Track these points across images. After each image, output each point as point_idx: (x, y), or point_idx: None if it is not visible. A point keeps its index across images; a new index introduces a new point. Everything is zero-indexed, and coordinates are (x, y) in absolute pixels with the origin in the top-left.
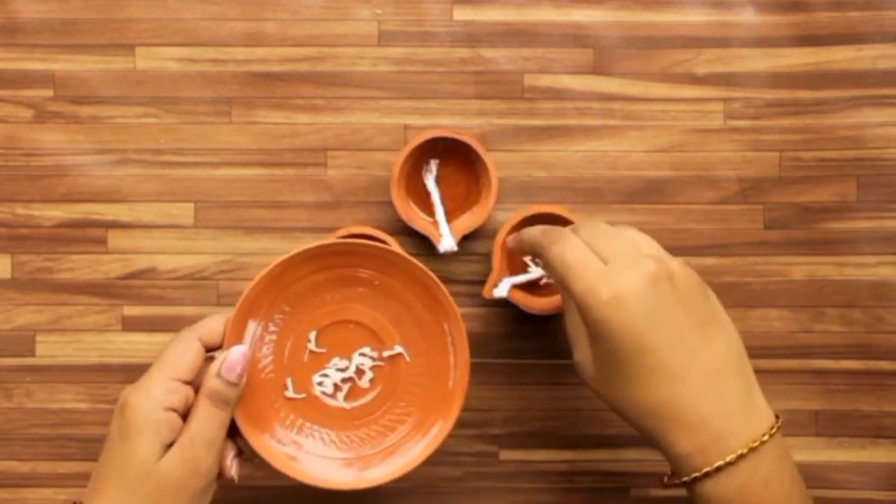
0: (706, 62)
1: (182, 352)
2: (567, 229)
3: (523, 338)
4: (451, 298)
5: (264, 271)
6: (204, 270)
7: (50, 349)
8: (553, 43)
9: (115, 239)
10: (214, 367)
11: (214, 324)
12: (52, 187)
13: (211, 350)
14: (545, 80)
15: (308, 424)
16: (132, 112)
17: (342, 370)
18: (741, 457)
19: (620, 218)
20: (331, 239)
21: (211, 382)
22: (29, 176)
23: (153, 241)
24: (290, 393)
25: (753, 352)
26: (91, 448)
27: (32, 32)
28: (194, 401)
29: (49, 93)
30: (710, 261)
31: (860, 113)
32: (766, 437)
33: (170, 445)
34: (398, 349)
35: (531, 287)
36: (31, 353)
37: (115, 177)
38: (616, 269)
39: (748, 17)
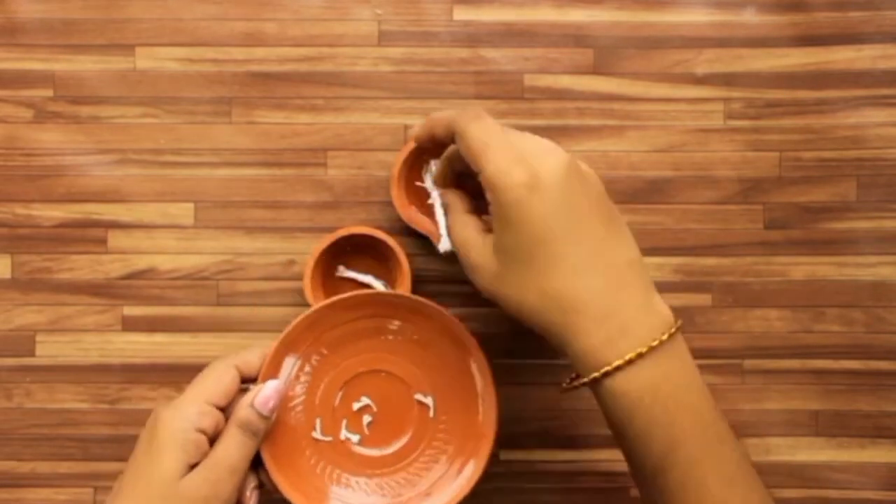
0: (706, 62)
1: (219, 377)
2: (485, 112)
3: (523, 338)
4: (478, 346)
5: (307, 312)
6: (204, 270)
7: (50, 349)
8: (553, 43)
9: (115, 239)
10: (248, 397)
11: (252, 355)
12: (51, 187)
13: (246, 380)
14: (545, 80)
15: (338, 471)
16: (132, 112)
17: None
18: (651, 349)
19: None
20: (373, 290)
21: (243, 412)
22: (29, 176)
23: (153, 241)
24: (317, 434)
25: (754, 352)
26: (91, 448)
27: (32, 32)
28: (224, 427)
29: (49, 93)
30: (710, 261)
31: (860, 113)
32: (670, 332)
33: (193, 466)
34: (425, 399)
35: None
36: (31, 353)
37: (115, 177)
38: (532, 154)
39: (748, 17)
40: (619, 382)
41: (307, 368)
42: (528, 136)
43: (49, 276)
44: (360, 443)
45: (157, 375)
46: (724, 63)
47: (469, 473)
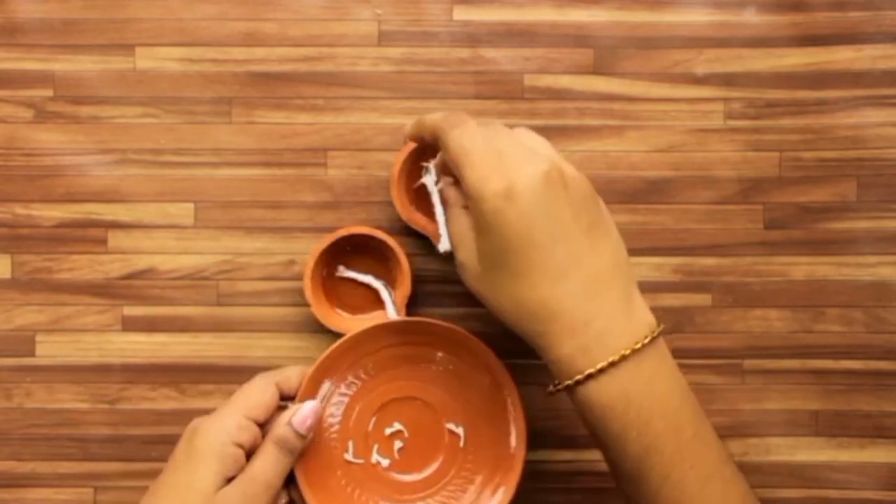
0: (706, 62)
1: (259, 393)
2: (468, 118)
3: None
4: (514, 383)
5: (348, 336)
6: (204, 270)
7: (50, 349)
8: (553, 43)
9: (115, 239)
10: (287, 415)
11: (292, 373)
12: (51, 187)
13: (284, 398)
14: (545, 80)
15: (368, 495)
16: (132, 112)
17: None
18: (623, 357)
19: (620, 218)
20: (420, 319)
21: (281, 430)
22: (29, 176)
23: (153, 241)
24: (349, 456)
25: (754, 352)
26: (91, 448)
27: (32, 32)
28: (261, 443)
29: (49, 93)
30: (710, 261)
31: (860, 113)
32: (647, 340)
33: (230, 480)
34: (456, 429)
35: None
36: (31, 353)
37: (115, 177)
38: (511, 162)
39: (748, 17)
40: (591, 391)
41: (343, 390)
42: (515, 138)
43: (49, 276)
44: (390, 467)
45: (157, 375)
46: (724, 63)
47: (497, 502)
